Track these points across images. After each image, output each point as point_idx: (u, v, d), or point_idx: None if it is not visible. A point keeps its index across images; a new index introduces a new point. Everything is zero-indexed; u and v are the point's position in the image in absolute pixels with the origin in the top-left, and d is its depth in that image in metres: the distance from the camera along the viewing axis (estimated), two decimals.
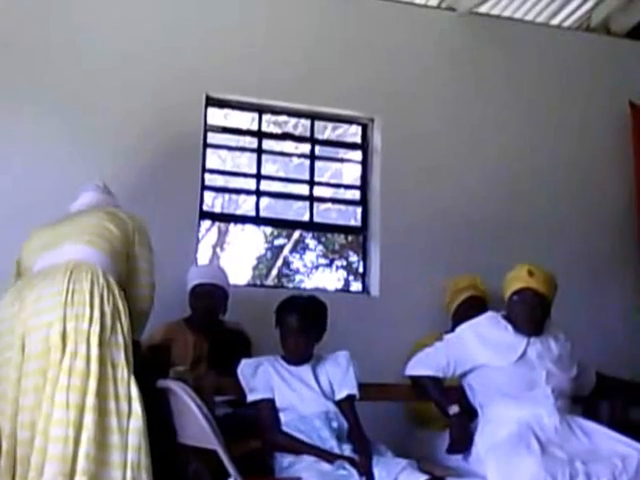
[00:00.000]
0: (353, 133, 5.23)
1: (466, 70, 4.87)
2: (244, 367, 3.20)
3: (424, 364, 3.31)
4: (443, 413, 3.24)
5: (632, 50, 5.26)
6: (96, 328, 2.73)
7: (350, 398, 3.18)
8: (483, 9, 4.97)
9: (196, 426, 2.96)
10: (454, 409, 3.18)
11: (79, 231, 3.01)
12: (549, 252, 4.56)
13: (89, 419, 2.61)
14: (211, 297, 3.81)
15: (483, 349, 3.24)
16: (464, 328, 3.36)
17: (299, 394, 3.14)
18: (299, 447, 3.00)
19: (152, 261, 3.16)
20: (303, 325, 3.21)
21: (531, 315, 3.26)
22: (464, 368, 3.28)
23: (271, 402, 3.12)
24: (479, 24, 4.97)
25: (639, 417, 3.74)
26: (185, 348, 3.67)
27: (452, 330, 3.55)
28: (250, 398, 3.14)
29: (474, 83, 4.87)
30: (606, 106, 5.09)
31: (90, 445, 2.59)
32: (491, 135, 4.85)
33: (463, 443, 3.14)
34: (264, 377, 3.16)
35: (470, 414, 3.27)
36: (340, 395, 3.20)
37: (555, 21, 5.23)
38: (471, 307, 4.01)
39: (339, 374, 3.22)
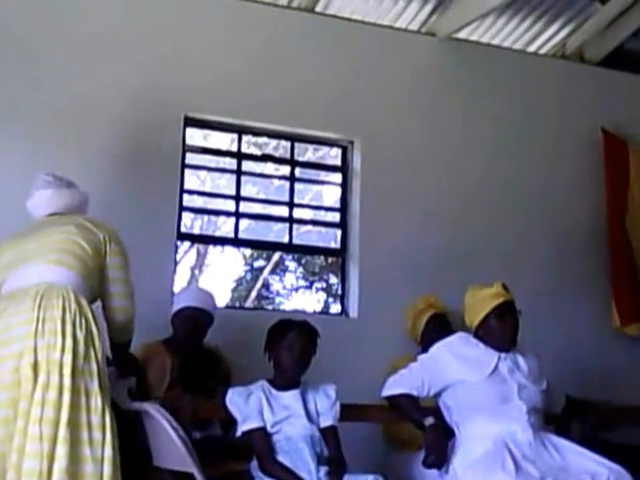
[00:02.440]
0: (334, 155, 5.22)
1: (445, 94, 4.90)
2: (234, 396, 3.19)
3: (399, 384, 3.33)
4: (419, 426, 3.23)
5: (605, 78, 5.33)
6: (68, 357, 2.63)
7: (333, 428, 3.24)
8: (462, 35, 5.01)
9: (172, 449, 2.92)
10: (429, 420, 3.18)
11: (47, 249, 2.87)
12: (524, 274, 4.64)
13: (61, 450, 2.53)
14: (197, 322, 3.74)
15: (456, 366, 3.26)
16: (437, 347, 3.38)
17: (287, 417, 3.16)
18: (289, 478, 3.03)
19: (126, 269, 3.06)
20: (305, 342, 3.26)
21: (515, 327, 3.32)
22: (439, 387, 3.29)
23: (263, 430, 3.12)
24: (458, 49, 5.00)
25: (607, 437, 3.80)
26: (162, 370, 3.60)
27: (424, 352, 3.55)
28: (243, 428, 3.13)
29: (453, 107, 4.90)
30: (580, 132, 5.15)
31: (62, 476, 2.50)
32: (469, 159, 4.87)
33: (440, 454, 3.11)
34: (256, 405, 3.16)
35: (447, 434, 3.25)
36: (325, 423, 3.24)
37: (532, 48, 5.28)
38: (435, 326, 4.08)
39: (327, 405, 3.27)
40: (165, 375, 3.58)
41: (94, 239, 2.95)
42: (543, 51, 5.31)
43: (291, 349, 3.23)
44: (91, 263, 2.90)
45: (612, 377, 4.72)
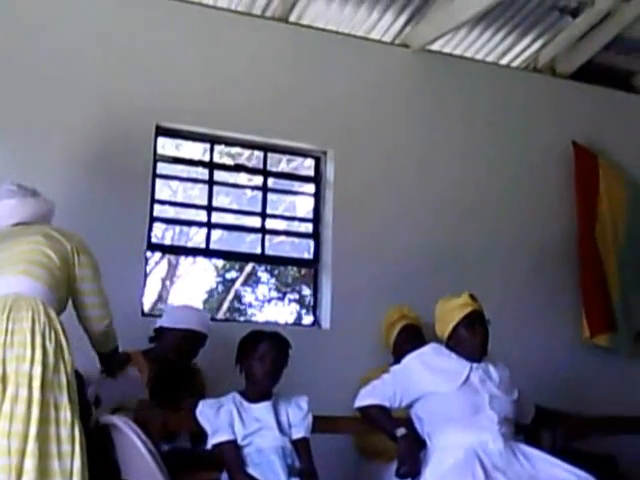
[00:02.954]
0: (307, 166, 5.23)
1: (419, 105, 4.93)
2: (204, 408, 3.17)
3: (371, 395, 3.35)
4: (390, 437, 3.24)
5: (576, 91, 5.41)
6: (37, 369, 2.60)
7: (305, 440, 3.24)
8: (436, 46, 5.05)
9: (140, 462, 2.89)
10: (401, 431, 3.20)
11: (15, 260, 2.84)
12: (496, 285, 4.70)
13: (29, 464, 2.51)
14: (196, 345, 3.76)
15: (428, 377, 3.29)
16: (409, 358, 3.41)
17: (258, 429, 3.15)
18: None
19: (98, 278, 3.05)
20: (277, 353, 3.26)
21: (484, 336, 3.35)
22: (411, 398, 3.31)
23: (234, 443, 3.11)
24: (432, 61, 5.04)
25: (577, 447, 3.84)
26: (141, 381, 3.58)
27: (396, 363, 3.57)
28: (214, 440, 3.12)
29: (426, 118, 4.94)
30: (551, 144, 5.22)
31: None
32: (442, 169, 4.91)
33: (412, 464, 3.13)
34: (227, 418, 3.14)
35: (419, 445, 3.27)
36: (297, 435, 3.23)
37: (504, 61, 5.33)
38: (408, 337, 4.10)
39: (299, 417, 3.26)
40: (143, 385, 3.55)
41: (62, 249, 2.93)
42: (515, 64, 5.37)
43: (263, 360, 3.23)
44: (59, 274, 2.88)
45: (583, 387, 4.77)
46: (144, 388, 3.46)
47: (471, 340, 3.32)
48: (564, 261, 5.08)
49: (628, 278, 5.18)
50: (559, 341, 4.93)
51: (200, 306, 8.50)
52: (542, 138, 5.21)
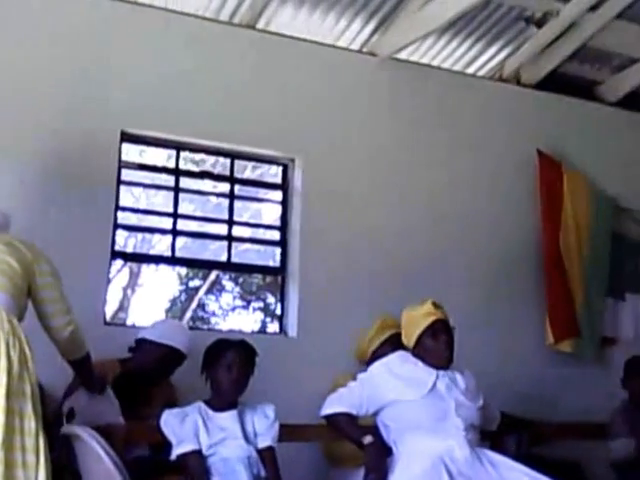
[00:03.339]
0: (273, 174, 5.23)
1: (386, 113, 4.96)
2: (169, 418, 3.16)
3: (338, 403, 3.37)
4: (357, 444, 3.27)
5: (541, 100, 5.49)
6: (2, 378, 2.58)
7: (271, 449, 3.24)
8: (403, 55, 5.09)
9: (104, 473, 2.87)
10: (368, 438, 3.22)
11: None
12: (463, 292, 4.74)
13: None
14: (177, 365, 3.76)
15: (395, 385, 3.32)
16: (376, 366, 3.45)
17: (223, 439, 3.15)
18: None
19: (59, 286, 3.03)
20: (244, 362, 3.26)
21: (449, 344, 3.39)
22: (377, 405, 3.34)
23: (199, 453, 3.10)
24: (399, 69, 5.09)
25: (542, 453, 3.92)
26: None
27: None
28: (178, 451, 3.11)
29: (393, 126, 4.97)
30: (516, 153, 5.28)
31: None
32: (409, 177, 4.95)
33: (379, 472, 3.15)
34: (192, 428, 3.14)
35: (385, 452, 3.29)
36: (263, 444, 3.23)
37: (470, 70, 5.40)
38: (394, 345, 4.03)
39: (265, 425, 3.26)
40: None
41: (23, 258, 2.92)
42: (481, 73, 5.44)
43: (229, 369, 3.23)
44: (20, 283, 2.87)
45: (547, 394, 4.83)
46: (120, 413, 3.42)
47: (436, 349, 3.36)
48: (529, 268, 5.15)
49: (592, 284, 5.26)
50: (523, 347, 4.98)
51: (162, 315, 8.49)
52: (507, 146, 5.28)
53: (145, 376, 3.69)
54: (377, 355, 3.91)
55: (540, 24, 5.10)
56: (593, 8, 5.00)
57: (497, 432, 3.68)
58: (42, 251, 3.04)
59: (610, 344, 5.33)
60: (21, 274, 2.87)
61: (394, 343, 4.01)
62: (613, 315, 5.42)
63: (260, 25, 4.75)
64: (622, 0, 4.99)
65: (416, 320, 3.41)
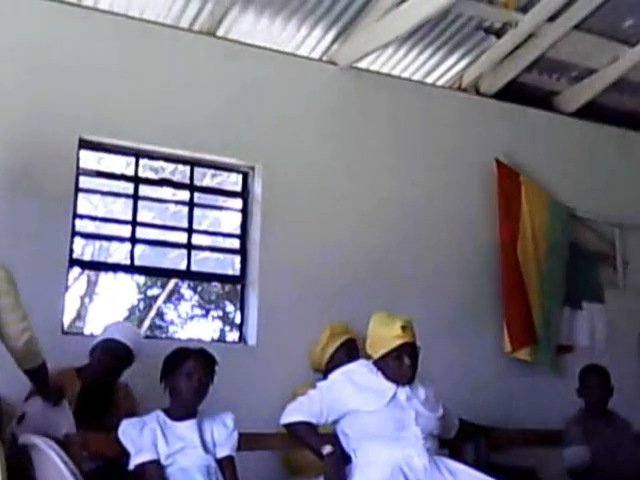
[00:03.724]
0: (232, 182, 5.25)
1: (346, 122, 5.01)
2: (127, 428, 3.15)
3: (297, 411, 3.37)
4: (317, 454, 3.28)
5: (500, 110, 5.58)
6: None
7: (231, 458, 3.24)
8: (363, 64, 5.14)
9: None
10: (327, 449, 3.24)
11: None
12: (422, 301, 4.79)
13: None
14: (118, 356, 3.73)
15: (355, 394, 3.33)
16: (336, 374, 3.46)
17: (182, 448, 3.14)
18: None
19: (14, 293, 3.02)
20: (203, 370, 3.26)
21: (413, 367, 3.39)
22: (337, 414, 3.35)
23: (157, 463, 3.10)
24: (359, 78, 5.14)
25: (499, 460, 3.98)
26: (72, 398, 3.52)
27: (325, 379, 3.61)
28: (136, 461, 3.10)
29: (354, 135, 5.02)
30: (475, 162, 5.36)
31: None
32: (370, 186, 4.99)
33: None
34: (150, 437, 3.13)
35: (345, 461, 3.30)
36: (222, 454, 3.24)
37: (430, 79, 5.47)
38: (350, 351, 4.06)
39: (224, 434, 3.27)
40: (73, 403, 3.51)
41: None
42: (441, 82, 5.51)
43: (189, 377, 3.23)
44: None
45: (505, 401, 4.90)
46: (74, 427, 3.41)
47: (399, 370, 3.37)
48: (486, 276, 5.22)
49: (549, 293, 5.34)
50: (482, 356, 5.05)
51: None
52: (466, 156, 5.35)
53: (98, 380, 3.67)
54: (333, 364, 3.92)
55: (499, 34, 5.20)
56: (551, 19, 5.11)
57: (456, 440, 3.72)
58: (9, 272, 3.02)
59: (566, 352, 5.42)
60: None
61: (348, 349, 4.07)
62: (570, 323, 5.51)
63: (220, 32, 4.77)
64: (580, 11, 5.11)
65: (383, 340, 3.40)
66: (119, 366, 3.76)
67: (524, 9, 5.05)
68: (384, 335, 3.41)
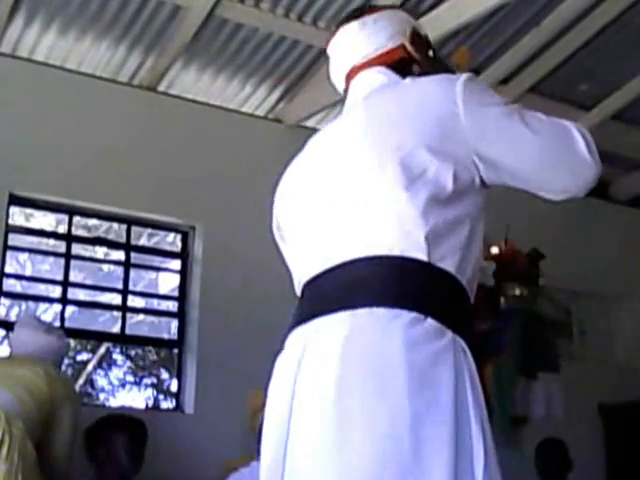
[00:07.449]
0: (170, 242, 5.35)
1: None
2: None
3: None
4: None
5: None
6: None
7: None
8: (310, 123, 5.33)
9: None
10: None
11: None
12: None
13: None
14: None
15: None
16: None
17: None
18: None
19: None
20: (136, 440, 3.35)
21: None
22: None
23: None
24: (306, 137, 5.29)
25: None
26: None
27: None
28: None
29: None
30: None
31: None
32: None
33: None
34: None
35: None
36: None
37: None
38: None
39: None
40: None
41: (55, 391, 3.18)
42: None
43: (120, 447, 3.29)
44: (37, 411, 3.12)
45: None
46: None
47: None
48: None
49: (502, 363, 5.52)
50: None
51: None
52: None
53: None
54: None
55: None
56: (504, 82, 5.33)
57: None
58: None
59: (522, 423, 5.58)
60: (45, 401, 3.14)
61: None
62: (524, 394, 5.68)
63: (161, 88, 4.89)
64: (532, 75, 5.36)
65: None
66: None
67: (476, 71, 5.31)
68: None
